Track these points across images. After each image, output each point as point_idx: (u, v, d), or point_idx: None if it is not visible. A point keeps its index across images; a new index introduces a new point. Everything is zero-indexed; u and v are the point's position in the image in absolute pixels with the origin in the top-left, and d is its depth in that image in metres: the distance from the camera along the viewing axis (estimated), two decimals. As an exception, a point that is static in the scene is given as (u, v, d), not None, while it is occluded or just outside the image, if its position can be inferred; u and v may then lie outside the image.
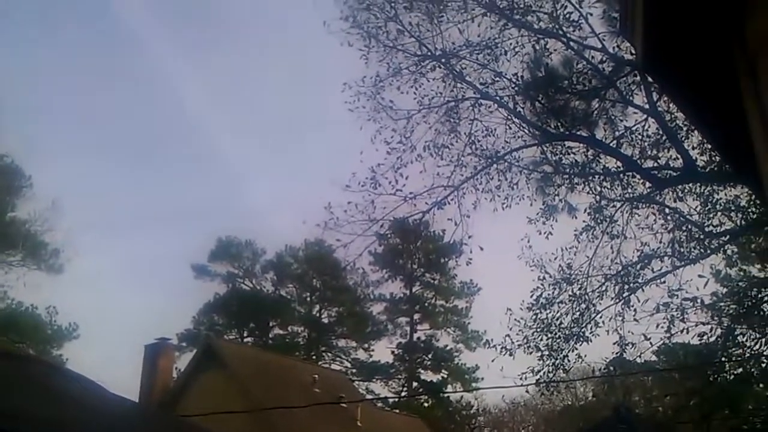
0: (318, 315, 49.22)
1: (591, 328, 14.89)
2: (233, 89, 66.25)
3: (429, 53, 15.09)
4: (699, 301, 14.81)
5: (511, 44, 14.57)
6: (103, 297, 56.06)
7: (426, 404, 43.64)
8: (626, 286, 14.79)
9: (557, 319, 15.07)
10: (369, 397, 40.14)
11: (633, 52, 12.85)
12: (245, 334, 47.37)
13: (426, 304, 48.39)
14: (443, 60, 15.06)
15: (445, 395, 44.94)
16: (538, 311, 15.11)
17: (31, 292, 34.06)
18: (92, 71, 54.59)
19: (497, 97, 14.86)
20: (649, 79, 11.66)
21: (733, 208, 14.13)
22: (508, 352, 15.06)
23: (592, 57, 14.07)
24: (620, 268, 14.84)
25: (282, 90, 64.89)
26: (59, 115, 58.19)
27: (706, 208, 14.42)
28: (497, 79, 14.76)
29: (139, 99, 61.85)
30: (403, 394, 45.99)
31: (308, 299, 49.57)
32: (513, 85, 14.64)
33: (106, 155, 61.54)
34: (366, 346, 48.01)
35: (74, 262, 36.12)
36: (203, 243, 48.60)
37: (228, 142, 64.90)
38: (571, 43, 14.11)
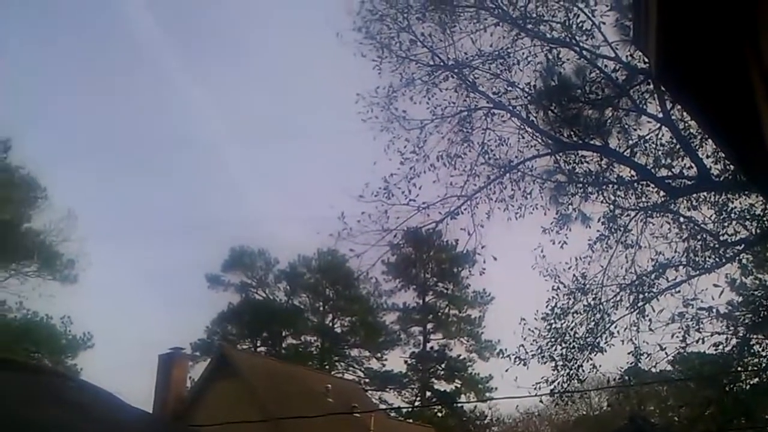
0: (331, 324, 49.24)
1: (606, 338, 14.82)
2: (246, 99, 66.66)
3: (442, 63, 15.13)
4: (714, 310, 14.71)
5: (523, 54, 14.61)
6: (117, 307, 56.38)
7: (439, 414, 43.51)
8: (641, 296, 14.71)
9: (572, 329, 15.01)
10: (382, 407, 40.05)
11: (646, 60, 12.84)
12: (258, 344, 47.45)
13: (439, 314, 48.32)
14: (456, 70, 15.09)
15: (459, 405, 44.83)
16: (552, 321, 15.06)
17: (46, 302, 34.39)
18: (105, 82, 55.14)
19: (510, 107, 14.88)
20: (663, 88, 11.62)
21: (747, 216, 14.03)
22: (522, 362, 15.00)
23: (605, 66, 14.06)
24: (635, 278, 14.78)
25: (295, 100, 65.23)
26: (72, 127, 58.79)
27: (721, 217, 14.33)
28: (510, 88, 14.79)
29: (152, 110, 62.34)
30: (416, 403, 45.88)
31: (321, 309, 49.60)
32: (526, 95, 14.66)
33: (120, 166, 62.04)
34: (379, 355, 47.97)
35: (88, 272, 36.45)
36: (217, 253, 48.89)
37: (241, 153, 65.23)
38: (584, 52, 14.12)
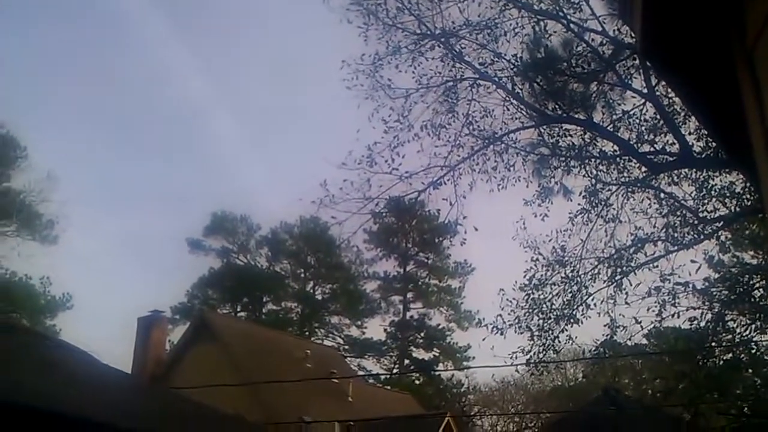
0: (312, 291, 49.40)
1: (582, 310, 14.97)
2: (230, 68, 65.96)
3: (428, 32, 14.99)
4: (691, 286, 14.87)
5: (510, 25, 14.50)
6: (97, 269, 56.31)
7: (417, 382, 44.01)
8: (619, 270, 14.85)
9: (549, 300, 15.16)
10: (361, 373, 40.43)
11: (632, 35, 12.81)
12: (239, 309, 47.55)
13: (419, 283, 48.61)
14: (442, 39, 14.97)
15: (436, 373, 45.31)
16: (530, 292, 15.19)
17: (25, 263, 34.19)
18: (91, 48, 54.37)
19: (496, 78, 14.81)
20: (648, 63, 11.63)
21: (727, 194, 14.15)
22: (500, 332, 15.14)
23: (592, 40, 14.01)
24: (613, 252, 14.90)
25: (280, 68, 64.59)
26: (55, 89, 57.99)
27: (701, 194, 14.44)
28: (496, 59, 14.70)
29: (137, 78, 61.71)
30: (394, 371, 46.33)
31: (302, 276, 49.71)
32: (512, 66, 14.59)
33: (103, 132, 61.44)
34: (359, 323, 48.30)
35: (69, 233, 36.28)
36: (198, 219, 48.81)
37: (226, 121, 64.73)
38: (571, 25, 14.04)
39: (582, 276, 15.06)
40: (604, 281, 14.91)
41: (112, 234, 58.72)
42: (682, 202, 14.72)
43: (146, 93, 62.84)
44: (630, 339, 15.58)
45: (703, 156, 13.32)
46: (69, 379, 6.91)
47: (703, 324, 15.14)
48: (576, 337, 15.30)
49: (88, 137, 61.05)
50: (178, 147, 64.88)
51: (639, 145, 14.35)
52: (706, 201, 14.46)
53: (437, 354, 46.94)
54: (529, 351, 15.12)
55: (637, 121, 14.31)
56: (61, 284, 34.97)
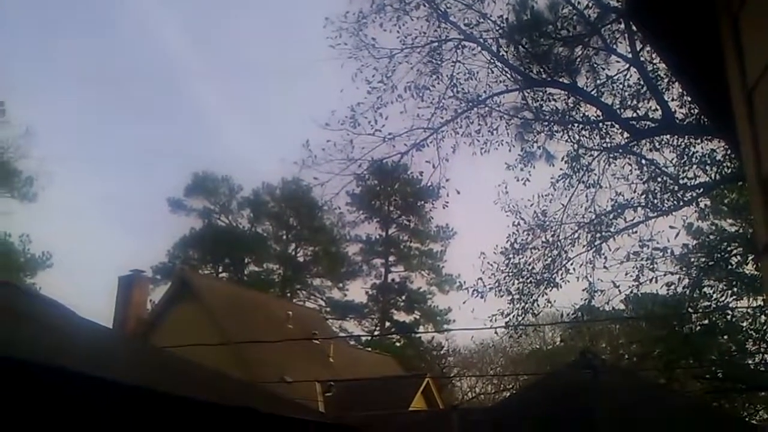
0: (294, 253, 49.39)
1: (561, 275, 15.10)
2: (212, 27, 64.96)
3: (413, -10, 14.78)
4: (669, 251, 15.05)
5: (497, -16, 14.32)
6: (77, 228, 55.78)
7: (398, 344, 44.37)
8: (598, 235, 14.96)
9: (529, 264, 15.27)
10: (342, 335, 40.70)
11: (619, -1, 12.74)
12: (220, 270, 47.48)
13: (401, 247, 48.74)
14: (428, -2, 14.78)
15: (417, 336, 45.70)
16: (511, 256, 15.29)
17: (4, 220, 33.81)
18: (73, 6, 53.27)
19: (481, 40, 14.69)
20: (634, 28, 11.57)
21: (708, 161, 14.22)
22: (480, 295, 15.26)
23: (578, 2, 13.91)
24: (594, 217, 14.99)
25: (263, 26, 63.69)
26: (36, 47, 56.90)
27: (682, 161, 14.50)
28: (482, 20, 14.56)
29: (118, 36, 60.64)
30: (375, 333, 46.67)
31: (284, 237, 49.64)
32: (497, 28, 14.47)
33: (84, 90, 60.57)
34: (340, 285, 48.44)
35: (49, 191, 35.80)
36: (179, 178, 48.43)
37: (208, 80, 63.93)
38: (558, -13, 13.91)
39: (562, 240, 15.17)
40: (584, 246, 15.04)
41: (93, 192, 58.26)
42: (663, 168, 14.79)
43: (128, 51, 61.85)
44: (608, 304, 15.80)
45: (686, 123, 13.35)
46: (49, 331, 6.85)
47: (680, 290, 15.35)
48: (554, 301, 15.47)
49: (69, 95, 60.23)
50: (159, 106, 64.15)
51: (622, 110, 14.36)
52: (686, 168, 14.54)
53: (418, 317, 47.31)
54: (509, 314, 15.27)
55: (621, 86, 14.30)
56: (40, 242, 34.74)
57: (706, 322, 16.28)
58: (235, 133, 65.41)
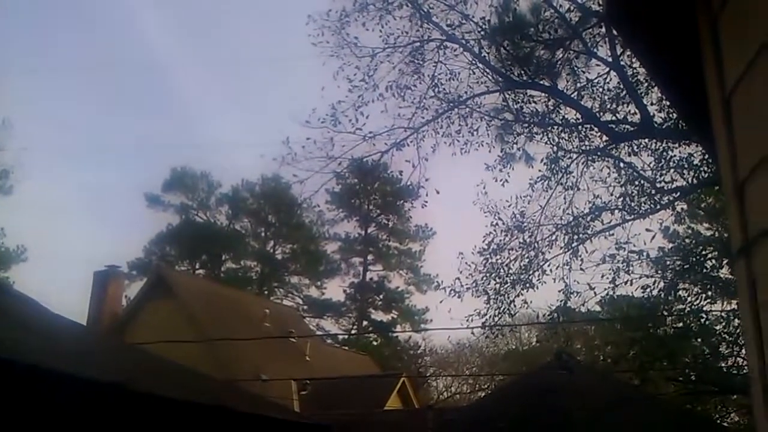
0: (272, 251, 49.22)
1: (538, 276, 15.13)
2: (194, 21, 64.56)
3: (396, -11, 14.77)
4: (645, 254, 15.13)
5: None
6: (53, 222, 55.15)
7: (375, 343, 44.38)
8: (575, 237, 15.01)
9: (506, 265, 15.29)
10: (319, 333, 40.62)
11: (600, 2, 12.81)
12: (197, 266, 47.22)
13: (380, 246, 48.76)
14: (410, -3, 14.77)
15: (394, 335, 45.74)
16: (488, 256, 15.31)
17: (-23, 213, 33.33)
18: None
19: (463, 41, 14.71)
20: (614, 31, 11.64)
21: (685, 165, 14.32)
22: (457, 295, 15.27)
23: (560, 5, 13.97)
24: (571, 219, 15.05)
25: (245, 22, 63.41)
26: (13, 36, 56.15)
27: (660, 165, 14.59)
28: (464, 21, 14.57)
29: (98, 27, 59.97)
30: (352, 332, 46.65)
31: (262, 234, 49.46)
32: (479, 30, 14.49)
33: (62, 81, 59.86)
34: (318, 283, 48.37)
35: (24, 184, 35.27)
36: (157, 173, 48.04)
37: (188, 74, 63.53)
38: (540, -10, 13.96)
39: (539, 242, 15.21)
40: (561, 248, 15.08)
41: (68, 184, 57.64)
42: (641, 172, 14.88)
43: (108, 43, 61.21)
44: (583, 305, 15.85)
45: (664, 127, 13.45)
46: (20, 327, 6.74)
47: (655, 292, 15.42)
48: (531, 302, 15.48)
49: (46, 85, 59.36)
50: (139, 99, 63.59)
51: (601, 113, 14.44)
52: (664, 172, 14.64)
53: (395, 316, 47.35)
54: (485, 314, 15.30)
55: (601, 89, 14.38)
56: (15, 236, 34.29)
57: (681, 325, 16.38)
58: (214, 128, 65.08)
